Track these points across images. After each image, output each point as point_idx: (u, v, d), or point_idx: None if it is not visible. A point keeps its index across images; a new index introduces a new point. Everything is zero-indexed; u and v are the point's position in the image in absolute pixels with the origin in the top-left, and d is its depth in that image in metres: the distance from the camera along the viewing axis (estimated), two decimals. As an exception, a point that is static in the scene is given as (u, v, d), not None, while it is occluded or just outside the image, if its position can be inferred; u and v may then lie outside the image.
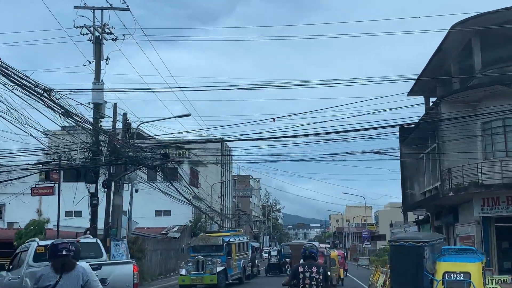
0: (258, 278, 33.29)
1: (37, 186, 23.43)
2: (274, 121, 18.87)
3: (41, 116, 25.75)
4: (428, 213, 32.27)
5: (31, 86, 13.26)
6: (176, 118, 26.54)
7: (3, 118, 13.26)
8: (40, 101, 13.33)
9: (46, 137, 25.61)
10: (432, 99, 31.06)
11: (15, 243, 24.28)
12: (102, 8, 23.77)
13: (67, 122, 16.28)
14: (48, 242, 8.86)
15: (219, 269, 24.27)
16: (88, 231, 22.93)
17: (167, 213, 45.18)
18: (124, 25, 24.54)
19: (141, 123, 26.04)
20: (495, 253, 22.93)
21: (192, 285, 24.43)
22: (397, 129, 24.33)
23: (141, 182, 30.27)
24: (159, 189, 28.57)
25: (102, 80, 23.96)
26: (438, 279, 10.20)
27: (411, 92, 32.34)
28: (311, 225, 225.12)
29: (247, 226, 76.39)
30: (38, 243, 14.41)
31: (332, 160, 21.68)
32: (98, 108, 23.35)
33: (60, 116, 15.26)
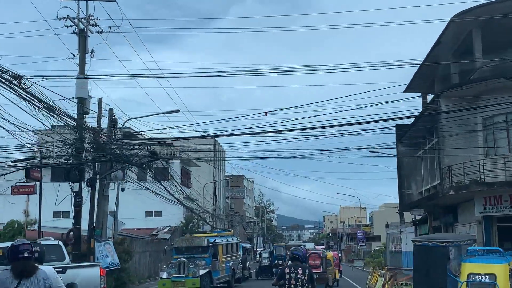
0: (249, 281, 31.95)
1: (17, 184, 22.28)
2: (266, 115, 17.86)
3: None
4: (426, 213, 31.28)
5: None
6: (165, 114, 25.58)
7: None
8: (10, 90, 12.23)
9: (36, 135, 24.60)
10: (430, 97, 30.19)
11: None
12: (87, -1, 22.75)
13: (42, 113, 15.11)
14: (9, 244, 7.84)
15: (202, 272, 22.83)
16: (71, 232, 21.91)
17: (158, 213, 44.15)
18: (110, 17, 23.34)
19: (128, 119, 25.04)
20: (497, 254, 21.97)
21: None
22: (393, 124, 23.26)
23: (129, 181, 29.30)
24: (147, 188, 27.49)
25: (86, 74, 22.93)
26: (462, 280, 9.56)
27: (408, 89, 31.40)
28: (305, 226, 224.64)
29: (240, 227, 75.33)
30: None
31: (328, 156, 20.69)
32: (82, 103, 22.32)
33: (34, 108, 14.14)
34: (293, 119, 17.41)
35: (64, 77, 18.49)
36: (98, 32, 23.77)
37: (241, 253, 32.27)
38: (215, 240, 25.13)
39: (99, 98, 23.34)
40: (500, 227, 22.00)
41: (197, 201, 44.72)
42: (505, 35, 22.87)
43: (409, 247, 37.92)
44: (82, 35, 23.03)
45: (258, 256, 36.29)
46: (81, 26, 23.02)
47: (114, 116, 24.04)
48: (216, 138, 55.38)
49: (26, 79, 12.77)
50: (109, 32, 23.79)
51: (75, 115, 21.83)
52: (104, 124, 23.74)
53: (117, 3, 23.41)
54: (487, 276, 9.62)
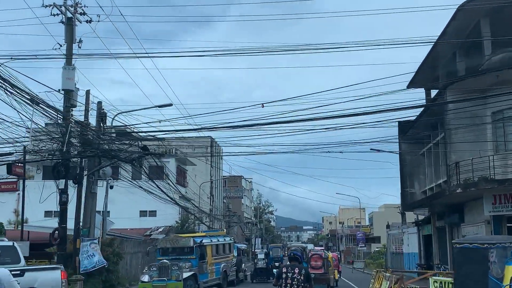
0: (244, 284, 30.16)
1: (-1, 181, 21.10)
2: (263, 107, 16.66)
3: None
4: (430, 213, 30.08)
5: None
6: (157, 108, 24.38)
7: None
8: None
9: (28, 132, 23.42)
10: (434, 93, 29.01)
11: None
12: (74, -15, 21.58)
13: (17, 101, 13.87)
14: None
15: (186, 274, 21.23)
16: (57, 232, 20.73)
17: (152, 213, 42.91)
18: (98, 4, 22.12)
19: (118, 113, 23.81)
20: (506, 256, 20.76)
21: None
22: (397, 115, 22.07)
23: (122, 180, 28.10)
24: (140, 186, 26.30)
25: (74, 65, 21.73)
26: (505, 284, 8.53)
27: (412, 84, 30.18)
28: (304, 227, 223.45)
29: (238, 228, 74.13)
30: None
31: (328, 152, 19.50)
32: (69, 95, 21.14)
33: (5, 92, 12.93)
34: (290, 111, 16.15)
35: (34, 57, 17.18)
36: (86, 21, 22.66)
37: (235, 254, 30.78)
38: (202, 240, 23.43)
39: (86, 90, 22.16)
40: (511, 227, 20.80)
41: (193, 201, 43.56)
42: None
43: (411, 248, 36.77)
44: (69, 24, 21.91)
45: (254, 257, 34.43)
46: (69, 14, 21.89)
47: (103, 109, 22.87)
48: (213, 136, 54.24)
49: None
50: (98, 21, 22.72)
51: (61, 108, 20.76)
52: (93, 118, 22.63)
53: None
54: (533, 280, 8.59)
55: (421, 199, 28.23)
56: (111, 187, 23.44)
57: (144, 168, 23.37)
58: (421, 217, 34.05)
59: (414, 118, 27.34)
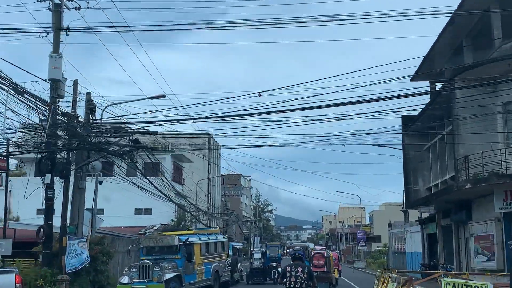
0: (238, 285, 28.64)
1: (-19, 175, 19.93)
2: (260, 95, 15.51)
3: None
4: (436, 211, 28.92)
5: None
6: (150, 99, 23.27)
7: None
8: None
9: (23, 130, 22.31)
10: (439, 86, 27.85)
11: None
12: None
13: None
14: None
15: (169, 275, 19.62)
16: (42, 229, 19.58)
17: (148, 211, 41.84)
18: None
19: (108, 105, 22.66)
20: (518, 255, 19.63)
21: None
22: (402, 106, 20.75)
23: (113, 176, 27.02)
24: (133, 182, 25.17)
25: (61, 53, 20.57)
26: None
27: (416, 77, 28.97)
28: (303, 226, 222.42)
29: (236, 227, 72.99)
30: None
31: (330, 144, 18.35)
32: (56, 85, 20.00)
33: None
34: (289, 100, 14.94)
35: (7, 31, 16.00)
36: (75, 8, 21.51)
37: (230, 253, 29.39)
38: (187, 238, 21.66)
39: (74, 80, 21.01)
40: (523, 225, 19.68)
41: (189, 198, 42.46)
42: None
43: (414, 247, 35.62)
44: (56, 11, 20.71)
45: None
46: (56, 1, 20.74)
47: (92, 101, 21.73)
48: (208, 128, 53.02)
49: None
50: (87, 8, 21.60)
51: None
52: (82, 110, 21.52)
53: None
54: None
55: (426, 196, 27.08)
56: (100, 182, 22.30)
57: (137, 163, 22.09)
58: (425, 215, 32.92)
59: (420, 110, 26.30)
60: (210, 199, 56.15)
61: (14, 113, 16.34)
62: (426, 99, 22.78)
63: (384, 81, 16.03)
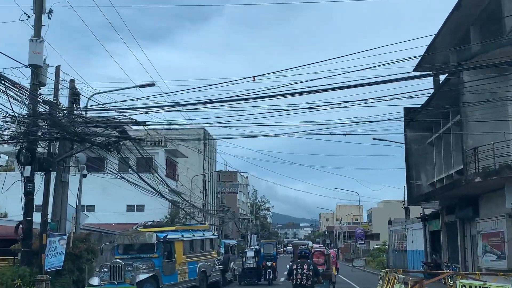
0: (230, 286, 26.82)
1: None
2: (254, 80, 14.21)
3: None
4: (441, 207, 27.64)
5: None
6: (138, 88, 21.94)
7: None
8: None
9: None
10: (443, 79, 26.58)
11: None
12: None
13: None
14: None
15: (143, 276, 17.89)
16: (21, 225, 18.27)
17: (140, 208, 40.58)
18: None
19: (94, 94, 21.31)
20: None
21: None
22: (404, 97, 19.45)
23: (104, 171, 25.73)
24: (122, 177, 23.83)
25: (42, 37, 19.22)
26: None
27: (419, 68, 27.70)
28: (301, 224, 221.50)
29: (233, 224, 71.70)
30: None
31: (330, 134, 17.05)
32: (37, 71, 18.66)
33: None
34: (285, 84, 13.59)
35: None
36: (58, -9, 20.13)
37: (222, 251, 27.72)
38: (166, 235, 19.86)
39: (56, 66, 19.66)
40: (536, 222, 18.42)
41: (184, 194, 41.20)
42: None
43: (415, 245, 34.37)
44: (38, -8, 19.38)
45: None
46: (37, -19, 19.39)
47: (76, 89, 20.39)
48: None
49: None
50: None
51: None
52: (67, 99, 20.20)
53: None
54: None
55: (431, 191, 25.80)
56: (85, 176, 21.01)
57: (128, 157, 20.71)
58: (427, 212, 31.67)
59: (423, 102, 25.05)
60: (206, 195, 54.83)
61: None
62: (429, 92, 21.43)
63: (389, 62, 14.75)
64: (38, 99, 18.36)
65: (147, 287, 17.79)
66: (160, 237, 19.31)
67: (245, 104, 14.88)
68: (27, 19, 19.32)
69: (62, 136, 17.54)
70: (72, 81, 20.44)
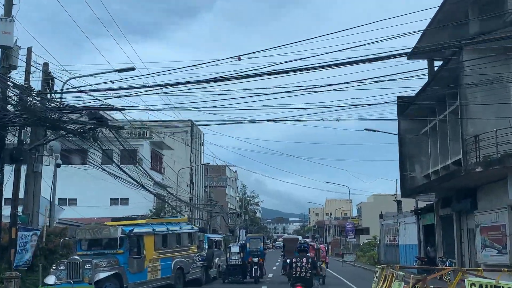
0: (214, 284, 24.67)
1: None
2: (240, 59, 12.98)
3: None
4: (437, 199, 26.57)
5: None
6: (117, 72, 20.58)
7: None
8: None
9: None
10: (438, 64, 25.47)
11: None
12: None
13: None
14: None
15: (103, 275, 15.85)
16: (-11, 219, 16.95)
17: (124, 201, 39.22)
18: None
19: (70, 78, 20.00)
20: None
21: None
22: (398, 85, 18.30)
23: (87, 164, 24.43)
24: (103, 168, 22.59)
25: (13, 17, 17.86)
26: None
27: (413, 55, 26.49)
28: (290, 219, 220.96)
29: (221, 219, 70.45)
30: None
31: (322, 120, 15.88)
32: (7, 53, 17.35)
33: None
34: (273, 63, 12.31)
35: None
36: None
37: (206, 246, 26.07)
38: (133, 229, 17.75)
39: (28, 48, 18.30)
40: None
41: (170, 188, 39.95)
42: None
43: (408, 240, 33.33)
44: (8, -33, 18.02)
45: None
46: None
47: (50, 72, 19.07)
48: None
49: None
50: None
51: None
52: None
53: None
54: None
55: (427, 183, 24.68)
56: (58, 165, 19.67)
57: (100, 145, 19.32)
58: (421, 205, 30.63)
59: (416, 92, 23.98)
60: (193, 189, 53.55)
61: None
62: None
63: (385, 38, 13.55)
64: (8, 82, 17.12)
65: (107, 286, 16.12)
66: (126, 231, 17.39)
67: (230, 86, 13.67)
68: (-3, -3, 18.05)
69: (33, 122, 16.19)
70: (45, 64, 19.16)
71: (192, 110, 15.74)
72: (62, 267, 16.18)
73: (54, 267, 16.54)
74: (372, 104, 15.51)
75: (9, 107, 17.08)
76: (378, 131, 32.29)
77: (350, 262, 44.24)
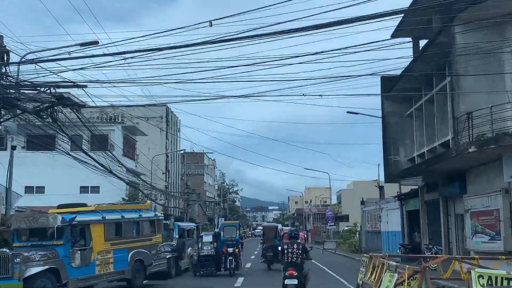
0: (184, 277, 22.38)
1: None
2: (211, 25, 11.48)
3: None
4: (424, 183, 25.41)
5: None
6: (80, 46, 18.87)
7: None
8: None
9: None
10: (423, 42, 24.19)
11: None
12: None
13: None
14: None
15: (35, 270, 13.98)
16: None
17: (95, 189, 37.45)
18: None
19: (28, 53, 18.28)
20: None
21: None
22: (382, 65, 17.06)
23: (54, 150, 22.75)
24: (68, 153, 20.88)
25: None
26: None
27: (397, 32, 25.19)
28: (269, 207, 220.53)
29: (199, 207, 68.97)
30: None
31: (303, 95, 14.48)
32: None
33: None
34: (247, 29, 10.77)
35: None
36: None
37: (176, 236, 24.10)
38: (75, 217, 15.34)
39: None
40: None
41: (143, 175, 38.31)
42: None
43: (391, 226, 32.24)
44: None
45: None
46: None
47: (5, 46, 17.31)
48: (168, 105, 48.63)
49: None
50: None
51: None
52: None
53: None
54: None
55: (413, 166, 23.47)
56: (14, 147, 17.91)
57: (60, 125, 17.63)
58: (404, 190, 29.52)
59: (403, 70, 22.66)
60: (169, 177, 51.90)
61: None
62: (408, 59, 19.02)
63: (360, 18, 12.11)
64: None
65: (41, 283, 14.10)
66: (66, 220, 15.09)
67: (202, 55, 12.07)
68: None
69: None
70: (0, 37, 17.39)
71: (157, 84, 14.12)
72: None
73: None
74: (357, 76, 14.05)
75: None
76: (360, 113, 31.15)
77: (331, 249, 43.12)
